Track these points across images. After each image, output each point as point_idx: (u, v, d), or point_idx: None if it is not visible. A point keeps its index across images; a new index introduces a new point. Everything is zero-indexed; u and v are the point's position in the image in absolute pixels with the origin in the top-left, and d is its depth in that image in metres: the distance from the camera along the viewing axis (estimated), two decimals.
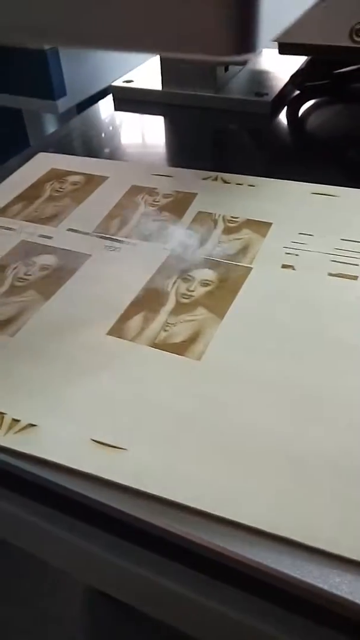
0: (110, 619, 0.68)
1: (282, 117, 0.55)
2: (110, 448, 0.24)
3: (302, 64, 0.60)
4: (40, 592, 0.76)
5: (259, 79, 0.59)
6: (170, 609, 0.24)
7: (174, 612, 0.24)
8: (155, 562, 0.23)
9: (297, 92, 0.58)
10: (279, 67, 0.61)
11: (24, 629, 0.73)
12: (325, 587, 0.20)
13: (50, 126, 0.91)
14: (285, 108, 0.56)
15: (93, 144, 0.53)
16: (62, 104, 0.75)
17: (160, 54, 0.11)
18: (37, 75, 0.72)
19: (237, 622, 0.22)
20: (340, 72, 0.57)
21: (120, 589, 0.26)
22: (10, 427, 0.25)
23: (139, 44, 0.11)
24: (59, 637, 0.72)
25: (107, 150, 0.51)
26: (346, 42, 0.34)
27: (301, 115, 0.56)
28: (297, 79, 0.57)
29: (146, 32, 0.10)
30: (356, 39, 0.33)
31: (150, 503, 0.22)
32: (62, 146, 0.51)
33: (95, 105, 0.61)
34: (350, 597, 0.19)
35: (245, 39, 0.10)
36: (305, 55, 0.55)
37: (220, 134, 0.55)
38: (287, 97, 0.57)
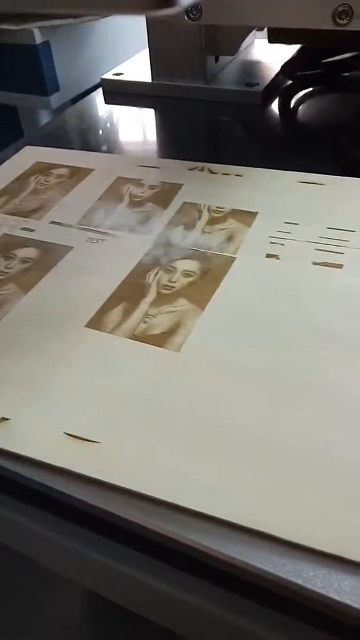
0: (111, 618, 0.68)
1: (274, 107, 0.55)
2: (84, 441, 0.23)
3: (294, 54, 0.59)
4: (39, 591, 0.76)
5: (250, 69, 0.58)
6: (145, 603, 0.24)
7: (149, 607, 0.24)
8: (128, 555, 0.22)
9: (289, 81, 0.57)
10: (270, 57, 0.60)
11: (23, 628, 0.73)
12: (299, 582, 0.19)
13: (45, 122, 0.91)
14: (277, 98, 0.56)
15: (82, 137, 0.53)
16: (55, 100, 0.75)
17: (84, 13, 0.10)
18: (29, 71, 0.72)
19: (214, 616, 0.21)
20: (331, 61, 0.56)
21: (96, 583, 0.26)
22: None
23: (60, 4, 0.10)
24: (58, 637, 0.72)
25: (96, 142, 0.51)
26: (330, 25, 0.33)
27: (292, 105, 0.55)
28: (288, 68, 0.56)
29: None
30: (339, 21, 0.32)
31: (124, 497, 0.22)
32: (52, 139, 0.51)
33: (86, 98, 0.61)
34: (323, 592, 0.19)
35: None
36: (294, 42, 0.54)
37: (210, 125, 0.54)
38: (279, 87, 0.57)
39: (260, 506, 0.21)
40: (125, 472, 0.22)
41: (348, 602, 0.18)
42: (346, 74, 0.57)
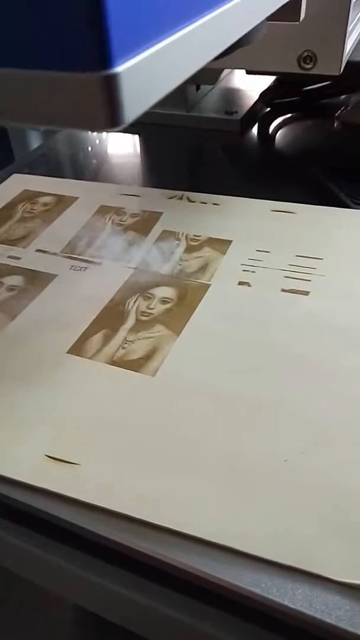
0: (101, 628, 0.69)
1: (253, 134, 0.57)
2: (63, 463, 0.25)
3: (272, 82, 0.62)
4: (30, 608, 0.77)
5: (230, 97, 0.61)
6: (122, 614, 0.25)
7: (127, 618, 0.25)
8: (109, 571, 0.24)
9: (267, 109, 0.60)
10: (249, 85, 0.62)
11: (19, 634, 0.74)
12: (257, 591, 0.21)
13: (35, 143, 0.93)
14: (255, 125, 0.58)
15: (68, 163, 0.55)
16: None
17: (34, 125, 0.12)
18: None
19: (183, 624, 0.23)
20: (308, 89, 0.59)
21: (83, 598, 0.27)
22: None
23: (23, 117, 0.12)
24: None
25: (80, 169, 0.53)
26: (296, 70, 0.35)
27: (271, 132, 0.57)
28: (266, 96, 0.59)
29: (27, 109, 0.12)
30: (304, 65, 0.34)
31: (103, 516, 0.24)
32: (38, 167, 0.53)
33: None
34: (279, 600, 0.20)
35: (113, 117, 0.12)
36: (270, 74, 0.56)
37: (190, 152, 0.56)
38: (257, 114, 0.59)
39: (224, 522, 0.23)
40: (103, 492, 0.24)
41: (301, 609, 0.20)
42: (323, 101, 0.60)
